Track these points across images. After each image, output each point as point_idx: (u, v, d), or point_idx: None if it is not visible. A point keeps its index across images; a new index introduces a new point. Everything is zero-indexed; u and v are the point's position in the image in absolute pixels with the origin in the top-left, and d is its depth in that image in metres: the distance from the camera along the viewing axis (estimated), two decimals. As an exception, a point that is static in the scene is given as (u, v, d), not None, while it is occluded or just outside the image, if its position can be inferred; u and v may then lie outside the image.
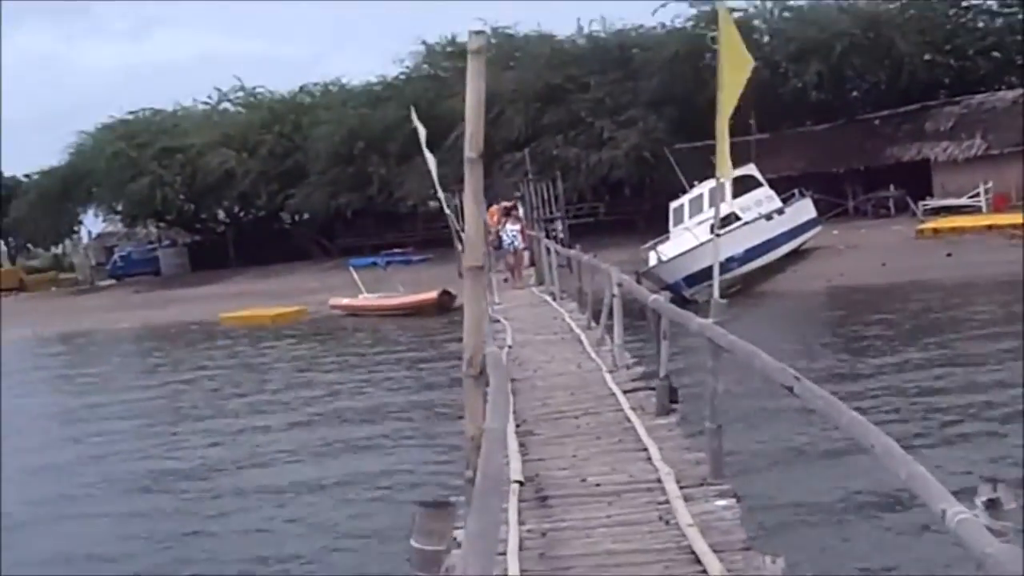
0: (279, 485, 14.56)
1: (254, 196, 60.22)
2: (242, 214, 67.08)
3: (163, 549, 12.32)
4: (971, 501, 3.09)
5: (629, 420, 9.83)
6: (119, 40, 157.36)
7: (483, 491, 3.98)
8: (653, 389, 10.55)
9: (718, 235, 14.16)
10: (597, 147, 46.81)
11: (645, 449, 8.61)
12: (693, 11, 47.96)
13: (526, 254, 30.05)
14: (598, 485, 7.83)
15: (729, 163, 11.17)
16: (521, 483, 7.87)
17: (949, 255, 32.17)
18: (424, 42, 56.64)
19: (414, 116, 24.58)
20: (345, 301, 38.06)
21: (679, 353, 11.89)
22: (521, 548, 6.42)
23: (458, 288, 32.31)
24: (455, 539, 4.72)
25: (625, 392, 11.09)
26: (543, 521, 7.08)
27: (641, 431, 9.24)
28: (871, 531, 10.03)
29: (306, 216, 61.01)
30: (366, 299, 37.31)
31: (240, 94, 65.83)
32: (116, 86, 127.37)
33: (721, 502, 6.99)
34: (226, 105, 66.50)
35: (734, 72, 10.68)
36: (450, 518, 4.75)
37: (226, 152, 58.27)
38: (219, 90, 66.16)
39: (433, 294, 34.97)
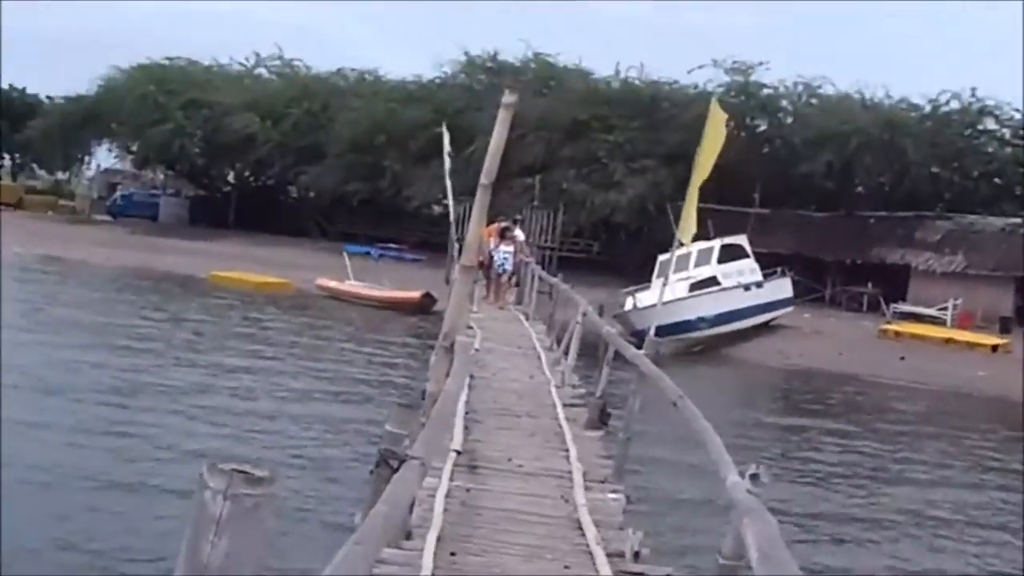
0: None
1: (268, 164, 61.42)
2: (251, 179, 68.22)
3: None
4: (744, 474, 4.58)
5: (561, 427, 11.29)
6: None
7: (438, 414, 5.51)
8: (587, 406, 12.08)
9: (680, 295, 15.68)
10: (605, 188, 48.12)
11: (567, 450, 10.08)
12: (727, 79, 49.72)
13: (513, 278, 31.26)
14: (520, 466, 9.36)
15: (692, 230, 12.74)
16: (459, 452, 9.36)
17: (902, 358, 33.70)
18: (467, 52, 58.11)
19: (444, 129, 26.29)
20: (331, 283, 39.22)
21: (617, 383, 13.29)
22: (447, 496, 7.89)
23: (442, 293, 33.86)
24: (421, 425, 6.13)
25: (564, 405, 12.55)
26: (469, 482, 8.56)
27: (568, 436, 10.72)
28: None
29: (312, 194, 62.07)
30: (352, 285, 38.38)
31: (277, 63, 67.00)
32: (155, 21, 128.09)
33: (612, 495, 8.52)
34: (261, 71, 67.74)
35: (709, 156, 12.32)
36: (415, 415, 6.23)
37: (251, 116, 59.32)
38: (257, 54, 67.38)
39: (416, 294, 36.28)
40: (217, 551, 2.08)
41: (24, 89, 78.70)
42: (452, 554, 6.58)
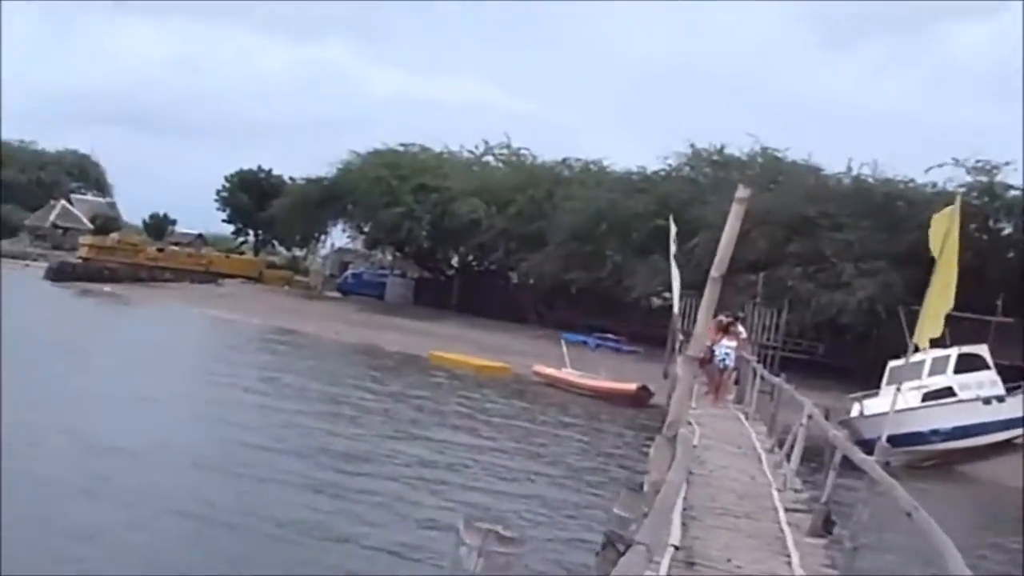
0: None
1: (491, 249, 62.43)
2: (474, 263, 69.63)
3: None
4: None
5: (783, 532, 10.57)
6: (404, 70, 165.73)
7: (661, 503, 5.11)
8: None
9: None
10: (832, 288, 46.54)
11: (788, 555, 9.39)
12: (969, 179, 47.58)
13: (734, 375, 30.42)
14: (739, 567, 8.74)
15: (932, 334, 11.93)
16: (676, 548, 8.80)
17: None
18: (692, 145, 57.80)
19: (672, 222, 26.11)
20: (548, 370, 39.26)
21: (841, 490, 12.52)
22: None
23: (659, 386, 33.27)
24: (643, 514, 5.75)
25: (787, 509, 11.82)
26: (686, 580, 8.01)
27: (790, 542, 10.01)
28: None
29: (532, 281, 62.63)
30: (568, 373, 38.33)
31: (505, 151, 68.70)
32: (391, 112, 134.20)
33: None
34: (489, 158, 69.53)
35: (948, 266, 11.65)
36: (641, 501, 5.85)
37: (477, 202, 60.78)
38: (486, 142, 69.30)
39: (632, 386, 35.82)
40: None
41: (270, 170, 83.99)
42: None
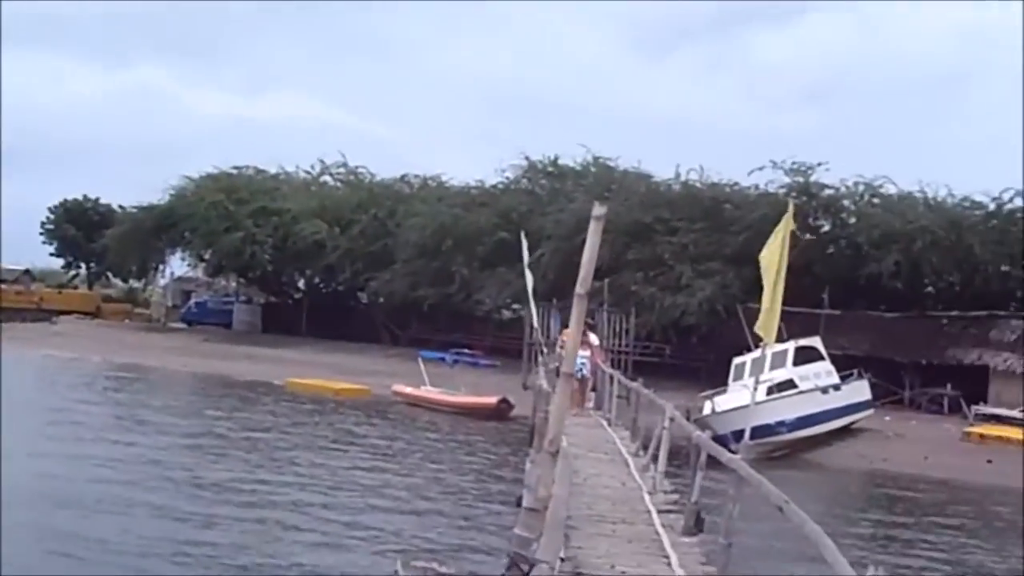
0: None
1: (338, 271, 62.25)
2: (322, 285, 69.23)
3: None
4: None
5: (658, 534, 11.31)
6: (232, 91, 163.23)
7: (553, 519, 5.63)
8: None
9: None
10: (674, 291, 47.88)
11: (667, 556, 10.09)
12: (787, 180, 49.83)
13: (590, 382, 31.19)
14: (623, 573, 9.36)
15: (774, 332, 12.88)
16: (562, 559, 9.37)
17: (989, 462, 33.07)
18: (527, 158, 58.81)
19: (523, 238, 26.76)
20: (408, 390, 39.42)
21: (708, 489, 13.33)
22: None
23: (518, 399, 34.00)
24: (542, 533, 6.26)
25: (659, 512, 12.58)
26: (576, 590, 8.61)
27: (666, 542, 10.75)
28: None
29: (382, 300, 62.62)
30: (428, 391, 38.56)
31: (342, 170, 68.60)
32: (218, 134, 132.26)
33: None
34: (326, 178, 69.27)
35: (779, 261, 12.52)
36: (539, 520, 6.36)
37: (320, 223, 60.57)
38: (322, 162, 69.06)
39: (493, 400, 36.37)
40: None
41: (97, 199, 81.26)
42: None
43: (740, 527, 10.72)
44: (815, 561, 5.92)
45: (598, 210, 9.06)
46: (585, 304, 9.25)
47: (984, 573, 19.08)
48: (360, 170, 68.11)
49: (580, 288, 9.10)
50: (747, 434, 12.69)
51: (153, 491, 19.34)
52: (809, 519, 6.62)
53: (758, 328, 13.44)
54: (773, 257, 13.17)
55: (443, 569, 4.09)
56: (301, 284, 70.84)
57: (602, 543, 10.77)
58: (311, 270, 66.33)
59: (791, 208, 14.90)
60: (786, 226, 14.00)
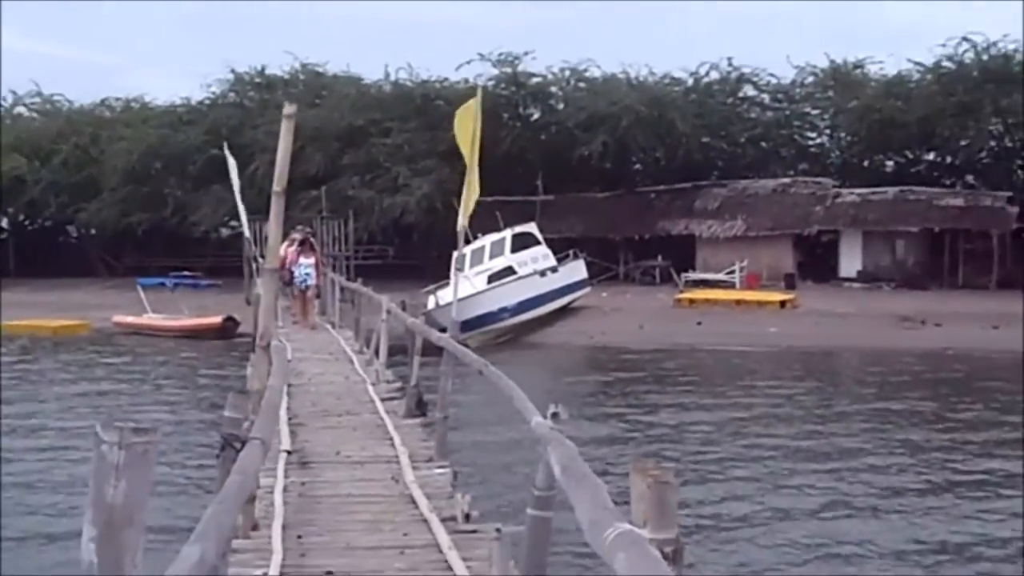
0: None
1: (42, 206, 59.14)
2: (27, 223, 65.73)
3: None
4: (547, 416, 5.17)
5: (382, 420, 11.80)
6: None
7: (267, 404, 5.96)
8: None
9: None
10: (392, 192, 48.33)
11: (391, 438, 10.61)
12: (496, 71, 50.74)
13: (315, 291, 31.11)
14: (348, 457, 9.89)
15: (467, 213, 13.50)
16: (289, 452, 9.75)
17: (699, 324, 35.47)
18: (233, 70, 57.28)
19: (227, 151, 26.24)
20: (129, 319, 38.33)
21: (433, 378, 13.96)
22: (285, 490, 8.29)
23: (243, 315, 33.70)
24: (252, 416, 6.49)
25: (383, 400, 13.08)
26: (303, 476, 9.07)
27: (390, 426, 11.25)
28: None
29: (94, 231, 60.33)
30: (151, 319, 37.64)
31: (37, 99, 64.76)
32: None
33: (439, 470, 9.08)
34: (20, 109, 65.33)
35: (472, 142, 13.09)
36: (248, 401, 6.61)
37: (17, 158, 57.17)
38: (13, 92, 64.80)
39: (218, 319, 35.94)
40: (118, 492, 2.51)
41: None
42: (299, 537, 7.03)
43: (459, 401, 11.41)
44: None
45: (288, 109, 9.18)
46: (283, 202, 9.36)
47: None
48: (56, 98, 64.48)
49: (276, 186, 9.21)
50: (453, 314, 13.25)
51: None
52: (505, 376, 7.14)
53: (461, 212, 13.92)
54: (466, 139, 13.63)
55: (141, 426, 4.13)
56: (3, 223, 66.88)
57: (328, 435, 11.16)
58: (13, 208, 62.53)
59: (479, 92, 15.37)
60: (472, 112, 14.39)
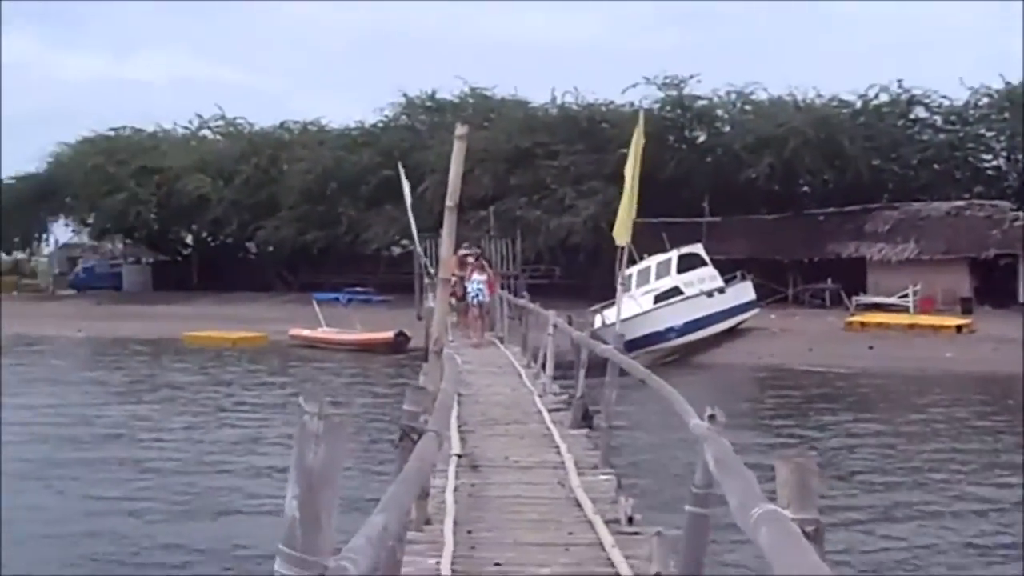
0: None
1: (225, 223, 61.75)
2: (210, 239, 68.63)
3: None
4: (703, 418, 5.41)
5: (549, 429, 12.12)
6: (98, 53, 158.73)
7: (441, 404, 6.35)
8: (572, 409, 12.91)
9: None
10: (558, 213, 48.83)
11: (557, 445, 10.92)
12: (661, 94, 50.79)
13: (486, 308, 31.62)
14: (517, 462, 10.24)
15: (628, 231, 13.75)
16: (459, 456, 10.17)
17: (871, 348, 34.76)
18: (405, 94, 58.94)
19: (402, 171, 27.04)
20: (305, 332, 39.81)
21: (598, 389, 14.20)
22: (455, 491, 8.69)
23: (414, 331, 34.64)
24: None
25: (549, 411, 13.41)
26: (473, 478, 9.46)
27: (556, 435, 11.57)
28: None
29: (272, 248, 62.53)
30: (325, 332, 39.01)
31: (220, 123, 67.58)
32: (92, 99, 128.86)
33: (603, 476, 9.34)
34: (205, 132, 68.39)
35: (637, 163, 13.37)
36: (428, 395, 7.02)
37: (202, 178, 59.89)
38: (200, 116, 67.86)
39: (389, 334, 36.99)
40: (318, 457, 2.85)
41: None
42: (469, 532, 7.39)
43: (622, 412, 11.63)
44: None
45: (459, 130, 9.69)
46: (455, 216, 9.87)
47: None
48: (239, 121, 67.31)
49: (449, 201, 9.71)
50: (617, 326, 13.46)
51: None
52: (666, 384, 7.37)
53: (616, 234, 14.20)
54: (628, 165, 13.96)
55: (338, 399, 4.52)
56: (189, 240, 70.09)
57: (496, 441, 11.55)
58: (197, 225, 65.63)
59: (641, 118, 15.63)
60: (638, 136, 14.71)
